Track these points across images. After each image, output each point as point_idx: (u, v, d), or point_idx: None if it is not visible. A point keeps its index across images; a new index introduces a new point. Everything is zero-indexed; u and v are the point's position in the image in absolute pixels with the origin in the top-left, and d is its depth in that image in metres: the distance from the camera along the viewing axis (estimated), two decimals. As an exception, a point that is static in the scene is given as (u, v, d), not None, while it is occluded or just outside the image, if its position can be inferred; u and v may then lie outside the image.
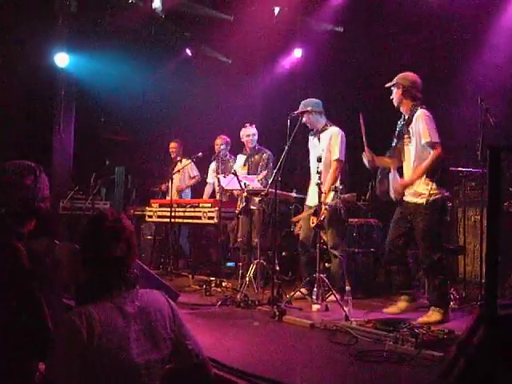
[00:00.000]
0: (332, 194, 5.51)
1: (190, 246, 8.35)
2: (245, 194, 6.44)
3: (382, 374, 3.34)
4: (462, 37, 6.77)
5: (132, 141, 10.04)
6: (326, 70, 8.48)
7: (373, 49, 7.90)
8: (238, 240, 6.80)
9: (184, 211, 7.27)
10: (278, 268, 6.00)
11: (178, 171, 8.11)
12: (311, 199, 5.74)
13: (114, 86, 8.90)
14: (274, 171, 5.44)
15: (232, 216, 6.98)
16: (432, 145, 4.67)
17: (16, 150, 8.53)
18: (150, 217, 7.94)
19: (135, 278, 2.12)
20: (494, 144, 2.08)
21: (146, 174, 9.63)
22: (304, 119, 5.64)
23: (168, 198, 7.84)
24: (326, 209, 5.35)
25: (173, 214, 7.21)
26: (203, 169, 8.25)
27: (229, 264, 7.65)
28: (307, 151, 5.96)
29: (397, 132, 4.96)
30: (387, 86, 4.97)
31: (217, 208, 6.75)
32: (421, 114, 4.75)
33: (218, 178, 7.01)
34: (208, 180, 7.98)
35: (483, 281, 4.76)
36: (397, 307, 4.89)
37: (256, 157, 6.97)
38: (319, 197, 5.27)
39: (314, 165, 5.68)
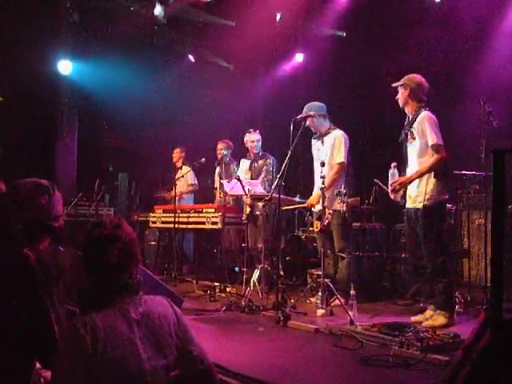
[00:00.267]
0: (336, 198, 5.52)
1: (194, 250, 8.33)
2: (248, 200, 6.47)
3: (388, 378, 3.33)
4: (465, 40, 6.77)
5: (135, 147, 10.07)
6: (328, 75, 8.49)
7: (375, 53, 7.91)
8: (243, 245, 6.80)
9: (188, 217, 7.28)
10: (282, 273, 6.00)
11: (179, 178, 8.12)
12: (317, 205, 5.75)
13: (116, 92, 8.93)
14: (278, 176, 5.44)
15: (236, 221, 6.98)
16: (436, 147, 4.68)
17: (20, 157, 8.57)
18: (154, 222, 7.95)
19: (138, 284, 2.12)
20: (498, 146, 2.07)
21: (150, 179, 9.64)
22: (308, 123, 5.65)
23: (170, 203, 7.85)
24: (329, 213, 5.35)
25: (176, 219, 7.22)
26: (207, 174, 8.26)
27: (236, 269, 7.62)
28: (311, 156, 5.97)
29: (403, 132, 4.97)
30: (394, 85, 4.99)
31: (220, 213, 6.75)
32: (425, 115, 4.76)
33: (222, 183, 7.02)
34: (216, 185, 8.00)
35: (488, 284, 4.75)
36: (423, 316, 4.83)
37: (260, 162, 6.99)
38: (323, 201, 5.27)
39: (318, 170, 5.70)
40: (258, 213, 6.60)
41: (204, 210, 7.17)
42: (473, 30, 6.69)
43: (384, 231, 6.37)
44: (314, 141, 5.92)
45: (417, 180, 4.78)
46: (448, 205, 5.94)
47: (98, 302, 2.04)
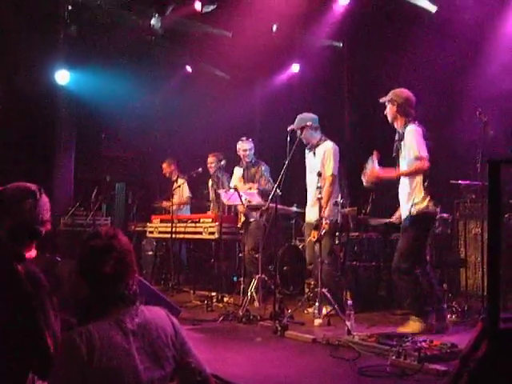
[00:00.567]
0: (332, 208, 5.55)
1: (187, 258, 8.30)
2: (242, 208, 6.51)
3: (386, 388, 3.32)
4: (461, 50, 6.81)
5: (132, 157, 10.07)
6: (324, 85, 8.52)
7: (371, 63, 7.95)
8: (240, 255, 6.81)
9: (185, 227, 7.28)
10: (279, 282, 5.99)
11: (175, 189, 8.12)
12: (309, 215, 5.78)
13: (114, 102, 8.95)
14: (275, 185, 5.45)
15: (233, 231, 7.00)
16: (419, 158, 4.73)
17: (17, 166, 8.57)
18: (151, 232, 7.94)
19: (135, 294, 2.12)
20: (494, 156, 2.08)
21: (147, 189, 9.64)
22: (298, 133, 5.68)
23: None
24: (326, 223, 5.38)
25: (174, 229, 7.21)
26: (202, 187, 8.29)
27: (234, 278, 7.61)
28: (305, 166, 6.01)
29: (394, 147, 5.02)
30: (382, 100, 5.04)
31: (217, 223, 6.75)
32: (410, 129, 4.83)
33: (219, 194, 7.04)
34: (211, 197, 8.01)
35: (485, 294, 4.75)
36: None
37: (252, 170, 7.04)
38: (319, 211, 5.30)
39: (310, 180, 5.74)
40: (251, 220, 6.64)
41: (201, 220, 7.17)
42: (469, 39, 6.72)
43: (381, 241, 6.37)
44: (307, 151, 5.96)
45: (406, 193, 4.84)
46: (444, 214, 5.98)
47: (94, 312, 2.04)
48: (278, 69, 9.49)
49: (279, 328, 4.69)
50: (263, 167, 7.01)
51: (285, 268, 6.88)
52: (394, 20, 7.55)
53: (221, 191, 6.92)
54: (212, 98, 9.55)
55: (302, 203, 6.14)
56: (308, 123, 5.69)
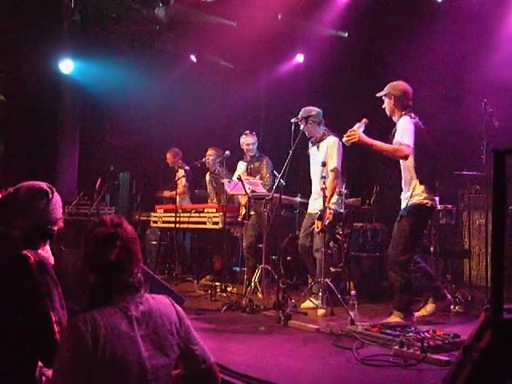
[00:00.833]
0: (338, 198, 5.56)
1: (190, 247, 8.31)
2: (243, 200, 6.51)
3: (388, 378, 3.33)
4: (466, 40, 6.76)
5: (136, 146, 10.07)
6: (329, 75, 8.49)
7: (376, 53, 7.91)
8: (243, 245, 6.82)
9: (189, 216, 7.29)
10: (282, 272, 6.00)
11: (179, 179, 8.12)
12: (313, 206, 5.78)
13: (118, 91, 8.94)
14: (279, 176, 5.45)
15: (237, 221, 7.01)
16: (401, 144, 4.71)
17: (21, 156, 8.60)
18: (155, 222, 7.96)
19: (139, 282, 2.13)
20: (499, 147, 2.08)
21: (151, 179, 9.64)
22: (302, 126, 5.65)
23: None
24: (330, 213, 5.39)
25: (178, 219, 7.23)
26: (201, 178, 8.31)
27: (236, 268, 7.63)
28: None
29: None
30: (379, 95, 5.03)
31: (221, 213, 6.76)
32: (402, 120, 4.82)
33: (217, 188, 7.04)
34: (209, 191, 8.01)
35: (489, 284, 4.75)
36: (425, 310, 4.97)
37: (256, 163, 7.04)
38: (324, 201, 5.30)
39: (314, 171, 5.73)
40: (252, 213, 6.67)
41: (205, 210, 7.18)
42: (475, 29, 6.68)
43: (385, 232, 6.37)
44: (310, 144, 5.93)
45: (407, 184, 4.87)
46: (448, 205, 5.98)
47: (99, 300, 2.05)
48: (282, 59, 9.46)
49: (282, 317, 4.70)
50: (266, 160, 7.02)
51: (288, 258, 6.90)
52: (399, 9, 7.50)
53: (224, 181, 6.92)
54: (216, 87, 9.52)
55: (306, 194, 6.14)
56: (313, 113, 5.67)
